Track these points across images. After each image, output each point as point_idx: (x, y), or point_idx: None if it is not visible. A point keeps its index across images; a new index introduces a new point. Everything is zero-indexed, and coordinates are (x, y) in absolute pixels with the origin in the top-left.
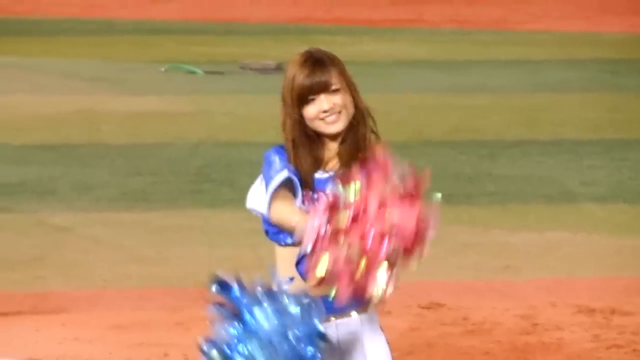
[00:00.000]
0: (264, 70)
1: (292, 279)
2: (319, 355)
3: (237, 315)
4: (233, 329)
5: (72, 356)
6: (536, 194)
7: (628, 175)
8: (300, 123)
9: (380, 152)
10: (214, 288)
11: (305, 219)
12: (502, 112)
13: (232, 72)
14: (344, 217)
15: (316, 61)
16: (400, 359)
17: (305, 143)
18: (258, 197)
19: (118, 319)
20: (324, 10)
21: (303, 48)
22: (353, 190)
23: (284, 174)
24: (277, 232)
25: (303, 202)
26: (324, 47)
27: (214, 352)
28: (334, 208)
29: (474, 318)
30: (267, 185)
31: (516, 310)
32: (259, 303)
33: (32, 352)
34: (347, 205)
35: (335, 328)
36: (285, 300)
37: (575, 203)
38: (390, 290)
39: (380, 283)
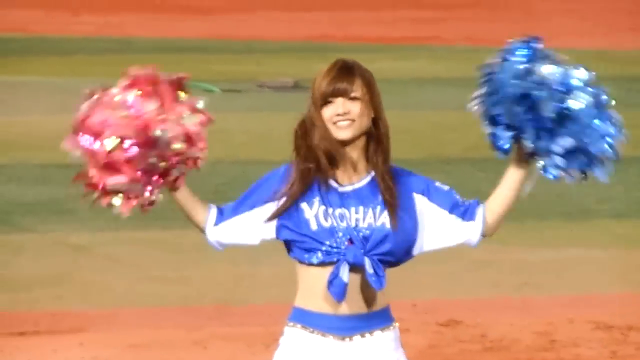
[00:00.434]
0: (281, 89)
1: None
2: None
3: None
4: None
5: None
6: (553, 211)
7: None
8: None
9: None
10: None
11: None
12: None
13: (250, 90)
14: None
15: (343, 67)
16: None
17: (324, 147)
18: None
19: (136, 338)
20: (342, 28)
21: (320, 66)
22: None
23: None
24: (302, 250)
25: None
26: None
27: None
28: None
29: (492, 335)
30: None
31: (534, 326)
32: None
33: None
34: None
35: (359, 346)
36: None
37: (592, 220)
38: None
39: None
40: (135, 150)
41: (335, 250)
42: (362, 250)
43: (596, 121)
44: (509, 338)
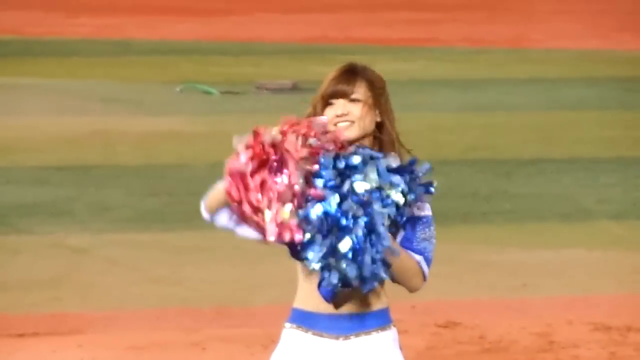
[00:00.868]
0: (279, 90)
1: None
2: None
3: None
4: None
5: None
6: (552, 212)
7: None
8: None
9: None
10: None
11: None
12: (518, 130)
13: (248, 92)
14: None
15: (349, 70)
16: None
17: None
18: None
19: (134, 339)
20: (340, 29)
21: (319, 68)
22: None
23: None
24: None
25: None
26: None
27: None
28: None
29: (490, 336)
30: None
31: (533, 328)
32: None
33: None
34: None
35: (356, 346)
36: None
37: (591, 221)
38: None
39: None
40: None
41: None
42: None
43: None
44: (508, 339)
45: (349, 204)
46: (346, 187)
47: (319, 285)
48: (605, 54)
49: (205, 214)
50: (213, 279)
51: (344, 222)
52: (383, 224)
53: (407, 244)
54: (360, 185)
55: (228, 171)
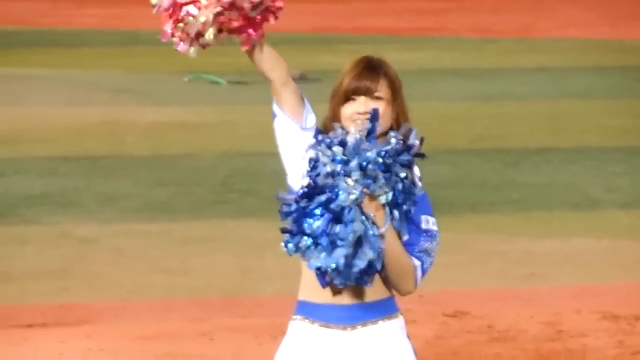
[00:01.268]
0: None
1: None
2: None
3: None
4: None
5: None
6: (560, 201)
7: None
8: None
9: None
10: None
11: None
12: (526, 119)
13: (256, 82)
14: None
15: (370, 65)
16: None
17: None
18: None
19: (143, 329)
20: (348, 19)
21: (326, 58)
22: None
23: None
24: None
25: None
26: (348, 56)
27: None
28: None
29: (498, 326)
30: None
31: (541, 317)
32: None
33: None
34: None
35: (363, 336)
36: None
37: (600, 210)
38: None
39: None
40: None
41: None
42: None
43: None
44: (516, 328)
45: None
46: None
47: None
48: (614, 43)
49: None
50: (221, 269)
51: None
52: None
53: (408, 248)
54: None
55: None
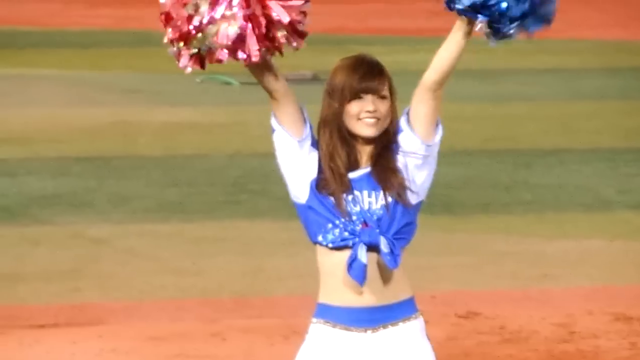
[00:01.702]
0: (300, 81)
1: None
2: None
3: None
4: None
5: None
6: (572, 202)
7: None
8: (339, 119)
9: None
10: None
11: None
12: (539, 120)
13: None
14: None
15: (371, 65)
16: None
17: (342, 139)
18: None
19: (155, 330)
20: (359, 20)
21: (339, 58)
22: None
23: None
24: (320, 225)
25: (339, 205)
26: None
27: None
28: None
29: (511, 327)
30: None
31: (553, 318)
32: None
33: None
34: None
35: (384, 338)
36: None
37: (612, 211)
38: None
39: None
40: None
41: (350, 232)
42: (378, 230)
43: None
44: (528, 330)
45: None
46: None
47: (349, 267)
48: (626, 44)
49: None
50: (233, 270)
51: None
52: None
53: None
54: None
55: None
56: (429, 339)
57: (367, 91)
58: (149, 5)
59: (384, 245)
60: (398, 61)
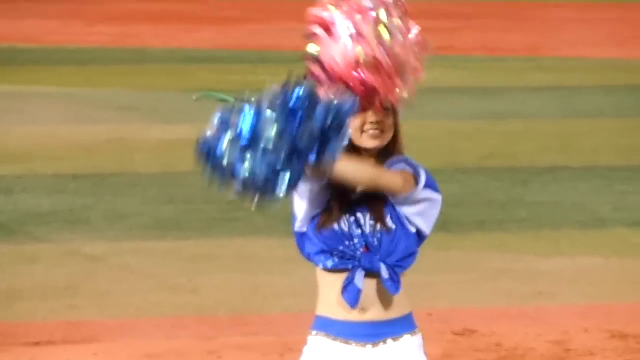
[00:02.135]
0: None
1: None
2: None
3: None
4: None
5: None
6: (569, 220)
7: None
8: None
9: None
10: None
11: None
12: (535, 138)
13: None
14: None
15: None
16: None
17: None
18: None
19: (151, 348)
20: None
21: None
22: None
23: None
24: (318, 252)
25: (339, 222)
26: None
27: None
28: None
29: (507, 344)
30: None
31: (549, 336)
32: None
33: None
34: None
35: (384, 353)
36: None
37: (608, 229)
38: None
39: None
40: None
41: (350, 256)
42: (378, 257)
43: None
44: (524, 347)
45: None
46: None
47: (344, 289)
48: (622, 63)
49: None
50: (229, 287)
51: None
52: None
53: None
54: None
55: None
56: (426, 355)
57: None
58: (146, 22)
59: (384, 272)
60: None
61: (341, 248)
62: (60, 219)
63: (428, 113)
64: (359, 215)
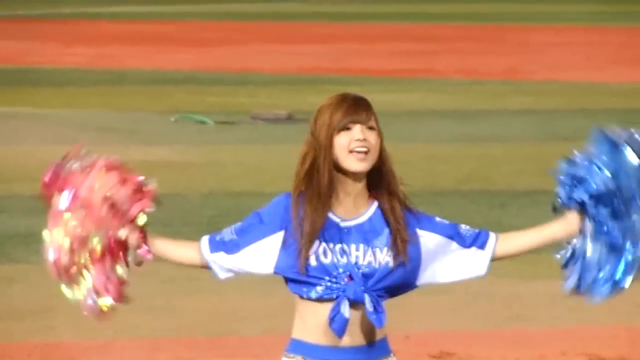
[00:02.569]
0: (275, 120)
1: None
2: None
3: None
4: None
5: None
6: None
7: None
8: (328, 158)
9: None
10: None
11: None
12: (513, 161)
13: (243, 122)
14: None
15: (357, 99)
16: None
17: (330, 183)
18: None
19: None
20: (335, 60)
21: (314, 98)
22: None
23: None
24: (300, 284)
25: (318, 255)
26: None
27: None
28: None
29: None
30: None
31: (526, 358)
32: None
33: None
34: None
35: None
36: None
37: None
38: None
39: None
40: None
41: (335, 286)
42: (362, 287)
43: None
44: None
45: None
46: None
47: (331, 320)
48: (600, 86)
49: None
50: (207, 309)
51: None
52: None
53: (463, 236)
54: None
55: None
56: None
57: (355, 121)
58: (123, 43)
59: (368, 304)
60: (373, 101)
61: (327, 279)
62: (38, 240)
63: (406, 136)
64: (344, 244)
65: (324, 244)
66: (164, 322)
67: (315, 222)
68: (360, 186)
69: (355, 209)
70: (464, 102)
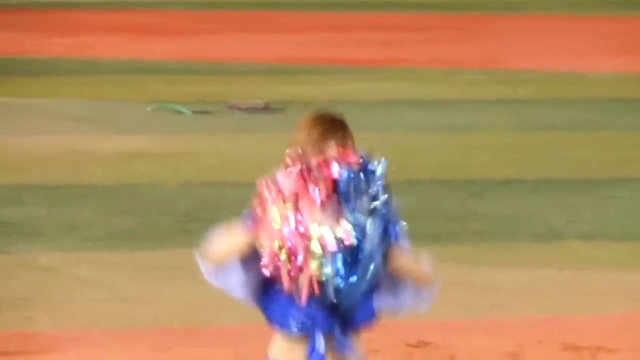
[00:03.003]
0: (251, 110)
1: None
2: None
3: None
4: None
5: None
6: (523, 232)
7: (614, 213)
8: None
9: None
10: None
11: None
12: (490, 151)
13: (220, 111)
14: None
15: (334, 118)
16: None
17: None
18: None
19: (105, 359)
20: (310, 49)
21: (290, 88)
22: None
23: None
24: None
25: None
26: (311, 86)
27: None
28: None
29: (461, 356)
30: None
31: (503, 348)
32: None
33: None
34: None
35: None
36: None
37: (562, 241)
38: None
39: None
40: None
41: (309, 321)
42: (336, 318)
43: None
44: (478, 359)
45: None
46: None
47: (309, 356)
48: (576, 76)
49: (208, 268)
50: (184, 298)
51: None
52: None
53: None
54: None
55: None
56: None
57: (332, 140)
58: (100, 33)
59: (338, 335)
60: (348, 91)
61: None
62: (14, 230)
63: (381, 125)
64: None
65: None
66: (141, 312)
67: None
68: None
69: None
70: (440, 91)
